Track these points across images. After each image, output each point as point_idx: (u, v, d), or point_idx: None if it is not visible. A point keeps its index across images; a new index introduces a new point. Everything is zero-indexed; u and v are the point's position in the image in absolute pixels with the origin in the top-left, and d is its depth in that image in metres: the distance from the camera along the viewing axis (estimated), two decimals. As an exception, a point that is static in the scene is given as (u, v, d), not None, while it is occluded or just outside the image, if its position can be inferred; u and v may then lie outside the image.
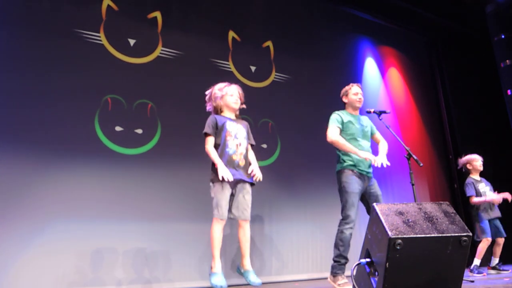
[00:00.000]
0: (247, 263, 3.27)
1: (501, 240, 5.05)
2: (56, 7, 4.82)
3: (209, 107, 3.56)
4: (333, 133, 3.80)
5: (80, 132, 4.62)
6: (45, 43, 4.65)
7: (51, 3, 4.81)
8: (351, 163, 3.74)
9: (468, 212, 5.20)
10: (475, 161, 5.26)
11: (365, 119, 4.07)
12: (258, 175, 3.33)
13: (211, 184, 3.26)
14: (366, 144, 3.91)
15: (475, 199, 5.03)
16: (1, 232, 4.03)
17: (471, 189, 5.11)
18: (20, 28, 4.56)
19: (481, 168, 5.28)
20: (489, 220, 5.01)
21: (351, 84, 4.08)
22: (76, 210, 4.38)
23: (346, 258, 3.65)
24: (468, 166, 5.30)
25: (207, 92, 3.61)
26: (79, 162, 4.52)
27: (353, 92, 4.01)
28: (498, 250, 5.08)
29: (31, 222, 4.16)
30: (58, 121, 4.53)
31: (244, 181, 3.32)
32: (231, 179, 3.18)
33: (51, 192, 4.33)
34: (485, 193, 5.10)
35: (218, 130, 3.31)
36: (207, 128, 3.32)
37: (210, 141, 3.31)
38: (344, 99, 4.05)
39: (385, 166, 3.70)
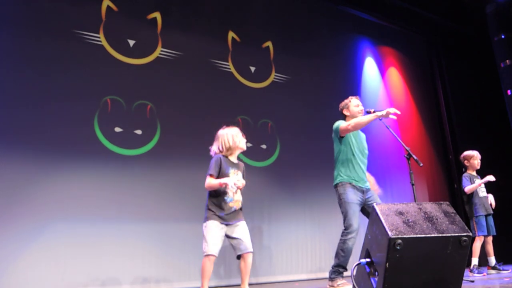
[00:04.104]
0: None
1: (489, 239, 5.06)
2: (55, 8, 4.81)
3: (213, 152, 3.45)
4: (348, 122, 3.80)
5: (79, 133, 4.62)
6: (44, 44, 4.65)
7: (51, 4, 4.81)
8: (347, 178, 3.77)
9: (465, 209, 5.21)
10: (474, 158, 5.26)
11: (362, 134, 4.06)
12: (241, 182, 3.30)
13: (204, 224, 3.24)
14: (363, 160, 3.91)
15: (468, 187, 5.06)
16: (1, 232, 4.02)
17: (467, 182, 5.12)
18: (19, 29, 4.56)
19: (478, 167, 5.28)
20: (485, 216, 5.01)
21: (350, 97, 4.06)
22: (75, 211, 4.38)
23: (344, 268, 3.67)
24: (466, 163, 5.30)
25: (222, 134, 3.43)
26: (79, 163, 4.53)
27: (354, 104, 3.98)
28: (490, 248, 5.07)
29: (31, 222, 4.17)
30: (57, 122, 4.53)
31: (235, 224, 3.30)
32: (240, 184, 3.23)
33: (51, 193, 4.33)
34: (480, 189, 5.11)
35: (221, 173, 3.29)
36: (213, 170, 3.28)
37: (210, 179, 3.27)
38: (345, 112, 4.01)
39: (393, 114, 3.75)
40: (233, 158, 3.43)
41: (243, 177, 3.42)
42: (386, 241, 2.27)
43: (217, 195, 3.29)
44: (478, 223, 4.97)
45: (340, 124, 3.85)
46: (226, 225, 3.25)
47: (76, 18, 4.90)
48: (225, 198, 3.29)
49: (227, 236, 3.26)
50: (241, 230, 3.27)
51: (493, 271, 5.03)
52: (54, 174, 4.41)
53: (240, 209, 3.36)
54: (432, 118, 8.19)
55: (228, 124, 3.49)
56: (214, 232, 3.19)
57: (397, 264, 2.27)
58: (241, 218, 3.33)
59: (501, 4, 7.22)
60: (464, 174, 5.25)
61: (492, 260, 5.08)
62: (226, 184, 3.20)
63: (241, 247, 3.23)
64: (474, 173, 5.27)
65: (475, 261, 4.91)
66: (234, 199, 3.31)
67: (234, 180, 3.22)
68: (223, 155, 3.39)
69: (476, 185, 5.05)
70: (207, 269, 3.15)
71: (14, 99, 4.39)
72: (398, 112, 3.68)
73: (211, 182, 3.25)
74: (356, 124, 3.74)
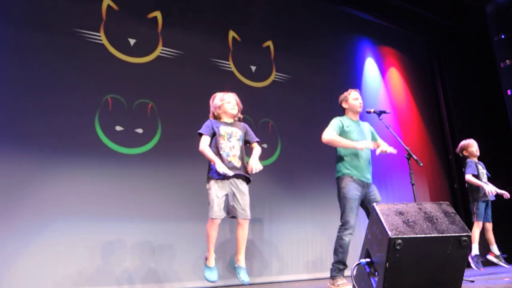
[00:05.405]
0: (241, 259, 3.39)
1: (489, 225, 5.01)
2: (56, 7, 4.81)
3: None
4: (327, 133, 3.80)
5: (80, 132, 4.63)
6: (44, 43, 4.65)
7: (51, 3, 4.81)
8: (349, 171, 3.76)
9: (468, 210, 5.19)
10: (471, 146, 5.23)
11: (365, 125, 4.05)
12: (255, 166, 3.38)
13: (207, 184, 3.37)
14: (364, 152, 3.89)
15: (471, 177, 5.01)
16: (1, 231, 4.03)
17: (472, 168, 5.06)
18: (20, 27, 4.56)
19: (478, 153, 5.24)
20: (485, 204, 4.99)
21: (349, 90, 4.07)
22: (76, 210, 4.38)
23: (344, 264, 3.66)
24: (465, 153, 5.28)
25: (210, 101, 3.67)
26: (80, 161, 4.53)
27: (353, 97, 3.99)
28: (490, 236, 5.02)
29: (31, 221, 4.17)
30: (58, 121, 4.53)
31: (240, 179, 3.38)
32: (230, 173, 3.27)
33: (51, 192, 4.34)
34: (483, 175, 5.10)
35: (213, 133, 3.44)
36: (202, 129, 3.45)
37: (203, 140, 3.42)
38: (344, 105, 4.03)
39: (389, 152, 3.72)
40: (227, 120, 3.56)
41: (248, 135, 3.55)
42: (386, 241, 2.28)
43: (216, 152, 3.38)
44: (477, 209, 4.95)
45: (326, 130, 3.83)
46: (228, 179, 3.30)
47: (77, 17, 4.90)
48: (221, 153, 3.38)
49: (226, 195, 3.32)
50: (242, 196, 3.33)
51: (494, 259, 4.98)
52: (54, 173, 4.41)
53: (244, 167, 3.41)
54: (432, 118, 8.19)
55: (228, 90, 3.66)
56: (216, 194, 3.27)
57: (397, 264, 2.28)
58: (244, 173, 3.38)
59: (501, 4, 7.23)
60: (469, 160, 5.17)
61: (496, 249, 5.03)
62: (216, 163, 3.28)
63: (238, 213, 3.31)
64: (476, 160, 5.24)
65: (475, 248, 4.87)
66: (231, 153, 3.39)
67: (223, 170, 3.26)
68: (215, 119, 3.54)
69: (479, 184, 4.99)
70: (211, 232, 3.27)
71: (14, 98, 4.39)
72: (375, 147, 3.78)
73: (205, 150, 3.36)
74: (332, 142, 3.76)
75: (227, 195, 3.33)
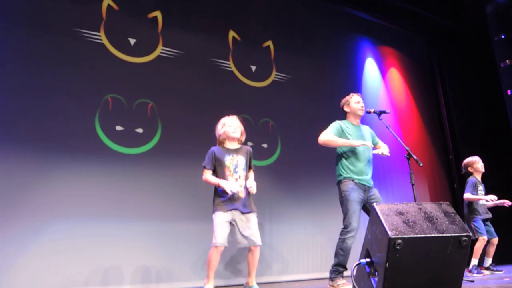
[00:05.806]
0: (252, 280, 3.40)
1: (495, 240, 5.07)
2: (56, 6, 4.81)
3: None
4: (323, 135, 3.82)
5: (80, 132, 4.63)
6: (45, 43, 4.65)
7: (51, 3, 4.81)
8: (350, 174, 3.76)
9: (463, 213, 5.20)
10: (476, 163, 5.26)
11: (366, 129, 4.05)
12: (254, 188, 3.39)
13: (213, 214, 3.36)
14: (366, 156, 3.88)
15: (469, 195, 5.04)
16: (1, 231, 4.03)
17: (471, 188, 5.10)
18: (19, 27, 4.56)
19: (483, 170, 5.26)
20: (482, 220, 5.03)
21: (351, 94, 4.06)
22: (76, 210, 4.38)
23: (344, 267, 3.67)
24: (470, 169, 5.29)
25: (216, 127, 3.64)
26: (80, 161, 4.53)
27: (354, 100, 3.98)
28: (492, 250, 5.08)
29: (31, 221, 4.17)
30: (58, 120, 4.53)
31: (244, 212, 3.38)
32: (240, 190, 3.32)
33: (51, 192, 4.34)
34: (481, 196, 5.11)
35: (217, 163, 3.42)
36: (206, 162, 3.44)
37: (206, 173, 3.42)
38: (346, 108, 4.02)
39: (383, 155, 3.74)
40: (231, 145, 3.52)
41: (249, 161, 3.52)
42: (386, 241, 2.28)
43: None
44: (477, 226, 4.98)
45: (323, 132, 3.85)
46: (232, 210, 3.30)
47: (77, 17, 4.90)
48: None
49: (235, 227, 3.32)
50: (249, 224, 3.32)
51: (486, 272, 5.03)
52: (54, 173, 4.41)
53: (249, 196, 3.40)
54: (432, 118, 8.19)
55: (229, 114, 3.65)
56: (220, 223, 3.27)
57: (397, 264, 2.28)
58: (250, 208, 3.38)
59: (501, 4, 7.22)
60: (470, 178, 5.22)
61: (488, 261, 5.09)
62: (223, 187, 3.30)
63: (248, 241, 3.31)
64: (479, 177, 5.26)
65: (474, 261, 4.92)
66: (237, 184, 3.37)
67: (231, 187, 3.28)
68: (218, 145, 3.53)
69: (477, 198, 5.02)
70: (213, 259, 3.24)
71: (15, 98, 4.39)
72: (371, 146, 3.79)
73: (208, 178, 3.38)
74: (328, 143, 3.78)
75: (231, 223, 3.33)
